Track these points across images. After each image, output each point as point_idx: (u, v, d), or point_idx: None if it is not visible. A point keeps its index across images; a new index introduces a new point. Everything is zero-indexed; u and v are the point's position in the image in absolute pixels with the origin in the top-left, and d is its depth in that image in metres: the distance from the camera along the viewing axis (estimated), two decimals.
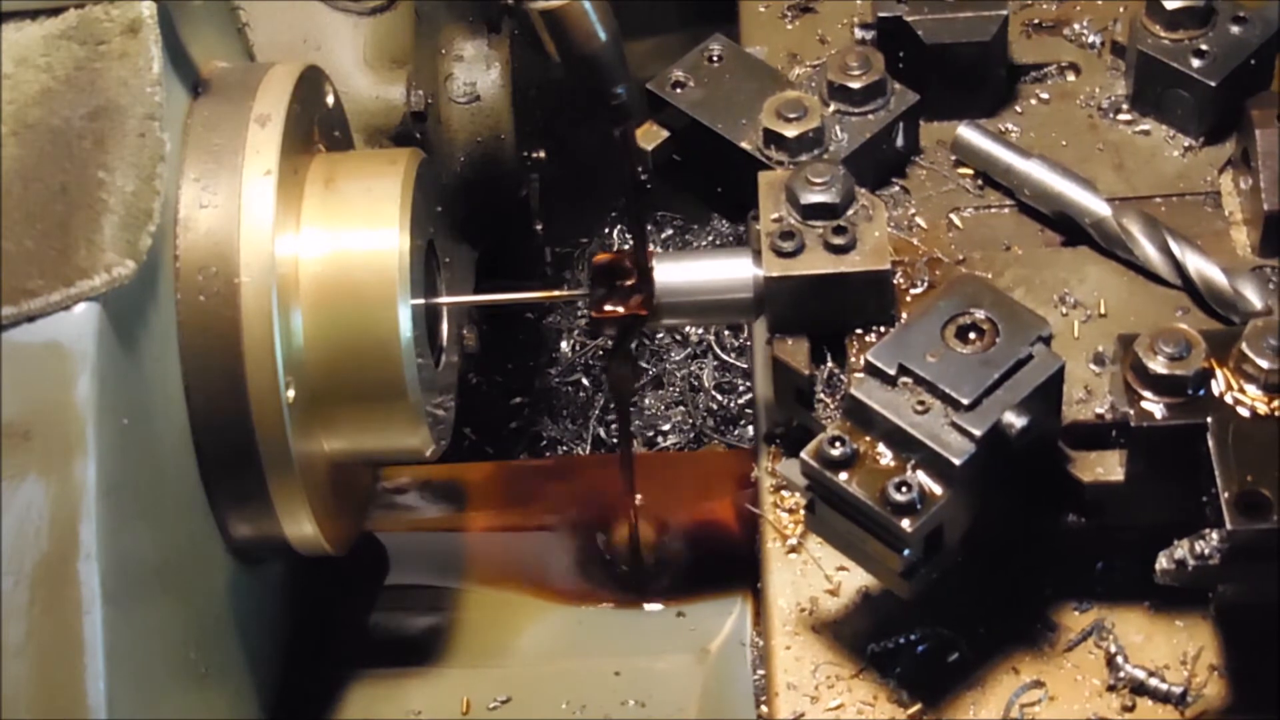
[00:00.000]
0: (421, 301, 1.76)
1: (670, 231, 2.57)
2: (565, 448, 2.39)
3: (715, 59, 1.86)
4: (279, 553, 1.80)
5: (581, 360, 2.46)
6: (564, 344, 2.47)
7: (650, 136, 1.81)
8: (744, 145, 1.78)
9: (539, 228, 2.35)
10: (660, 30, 2.07)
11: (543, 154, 2.32)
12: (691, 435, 2.37)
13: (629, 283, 1.72)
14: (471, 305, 2.05)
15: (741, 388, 2.39)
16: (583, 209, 2.56)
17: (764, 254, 1.65)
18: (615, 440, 2.39)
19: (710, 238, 2.54)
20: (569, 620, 2.00)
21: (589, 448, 2.38)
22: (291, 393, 1.67)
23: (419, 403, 1.74)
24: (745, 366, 2.40)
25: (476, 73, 2.15)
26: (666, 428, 2.38)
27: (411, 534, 2.11)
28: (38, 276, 1.47)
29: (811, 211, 1.66)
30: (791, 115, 1.76)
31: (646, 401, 2.40)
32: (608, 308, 1.73)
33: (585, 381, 2.44)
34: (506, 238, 2.31)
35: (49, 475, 1.45)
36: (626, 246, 2.50)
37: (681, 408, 2.39)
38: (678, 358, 2.43)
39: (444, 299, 1.87)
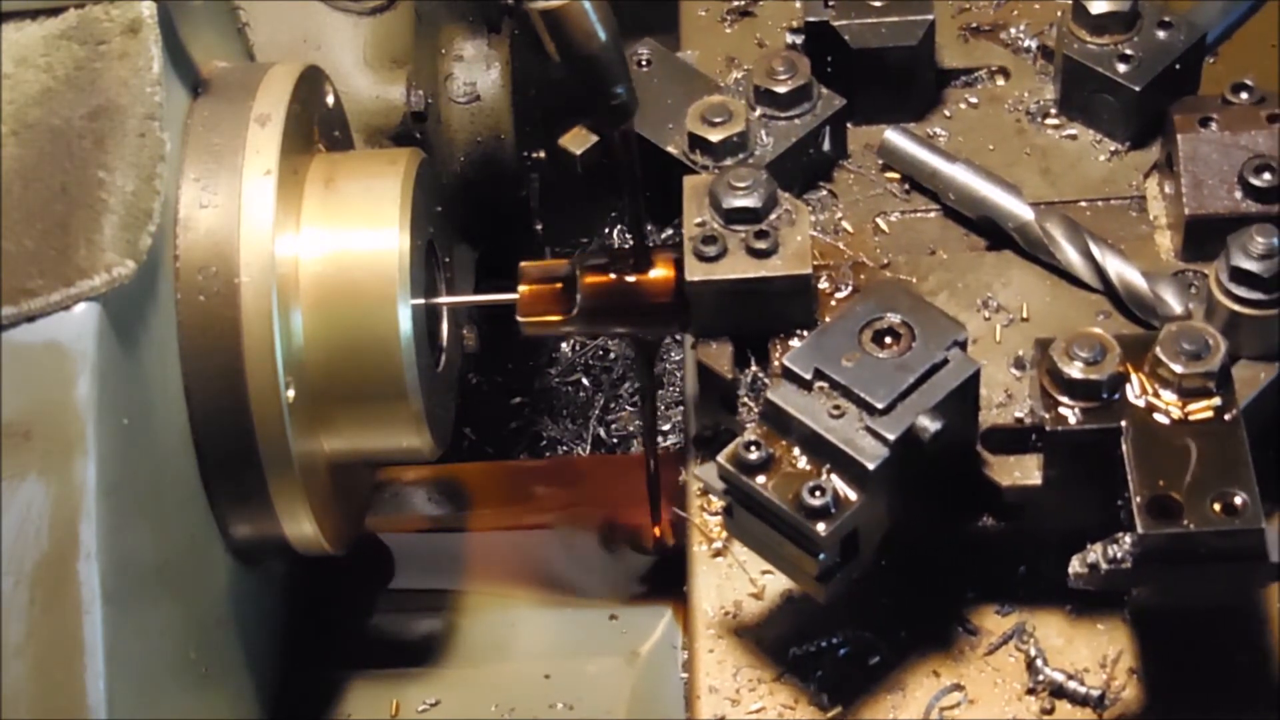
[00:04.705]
0: (421, 301, 1.76)
1: (670, 231, 2.57)
2: (565, 448, 2.39)
3: (644, 64, 1.86)
4: (279, 552, 1.80)
5: (581, 360, 2.46)
6: (564, 344, 2.47)
7: (579, 140, 1.80)
8: (670, 149, 1.79)
9: (539, 228, 2.35)
10: (659, 30, 2.07)
11: (543, 154, 2.32)
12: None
13: (557, 288, 1.73)
14: (471, 305, 2.05)
15: None
16: (583, 209, 2.56)
17: (686, 258, 1.66)
18: (615, 440, 2.39)
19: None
20: (500, 622, 2.00)
21: (589, 448, 2.38)
22: (291, 393, 1.67)
23: (419, 403, 1.74)
24: None
25: (476, 73, 2.15)
26: (666, 428, 2.38)
27: (411, 534, 2.11)
28: (38, 276, 1.47)
29: (734, 216, 1.66)
30: (716, 120, 1.76)
31: (643, 407, 2.40)
32: (533, 314, 1.73)
33: (585, 381, 2.44)
34: (506, 238, 2.31)
35: (49, 475, 1.45)
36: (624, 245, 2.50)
37: (681, 407, 2.39)
38: (678, 358, 2.43)
39: (444, 299, 1.88)
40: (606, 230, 2.58)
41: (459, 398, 1.93)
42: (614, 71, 1.57)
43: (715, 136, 1.75)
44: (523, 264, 1.75)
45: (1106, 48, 1.78)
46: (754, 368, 1.67)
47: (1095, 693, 1.61)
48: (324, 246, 1.72)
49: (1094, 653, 1.64)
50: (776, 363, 1.65)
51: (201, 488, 1.69)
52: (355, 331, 1.71)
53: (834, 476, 1.50)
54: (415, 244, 1.75)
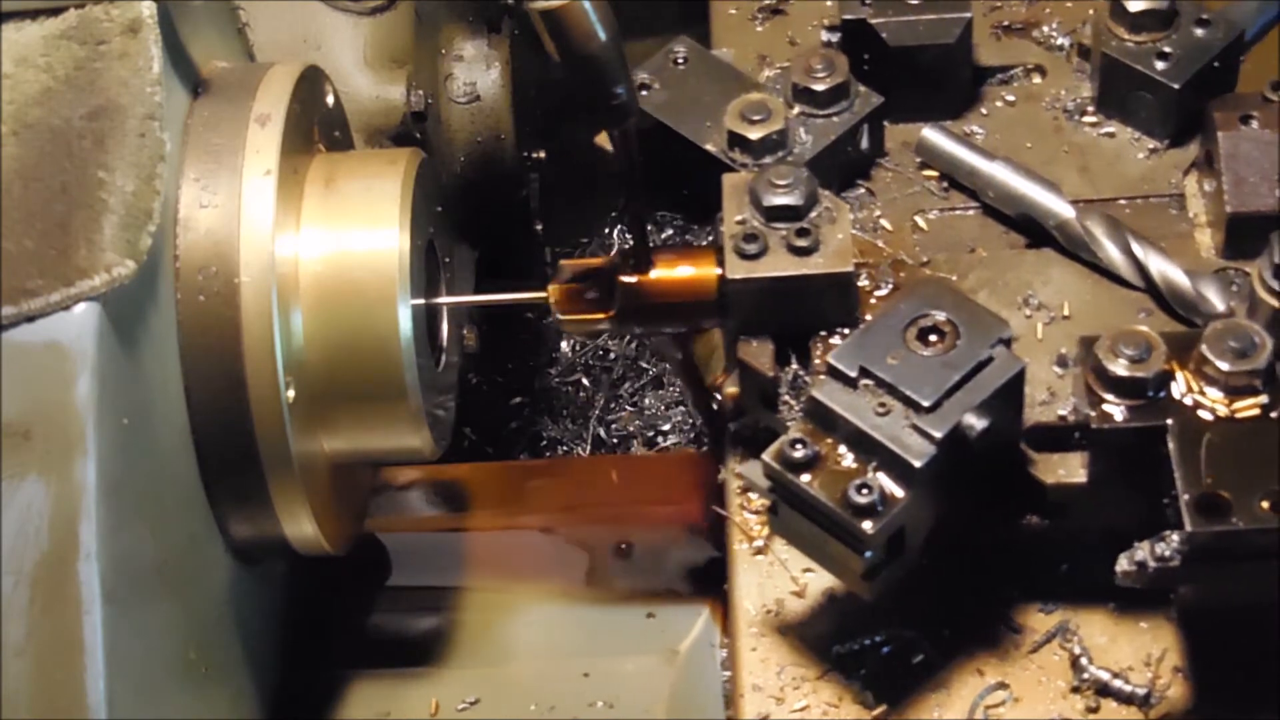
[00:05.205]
0: (421, 301, 1.76)
1: (670, 231, 2.57)
2: (565, 448, 2.39)
3: (681, 61, 1.87)
4: (279, 553, 1.80)
5: (581, 360, 2.46)
6: (564, 344, 2.47)
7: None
8: (708, 147, 1.79)
9: (539, 228, 2.35)
10: (660, 30, 2.07)
11: (543, 154, 2.32)
12: (692, 435, 2.37)
13: (595, 286, 1.73)
14: (471, 305, 2.05)
15: None
16: (583, 209, 2.56)
17: (727, 256, 1.66)
18: (615, 440, 2.39)
19: (711, 238, 2.53)
20: (538, 621, 1.99)
21: (589, 448, 2.38)
22: (291, 393, 1.67)
23: (419, 403, 1.74)
24: None
25: (476, 73, 2.15)
26: (667, 427, 2.37)
27: (411, 534, 2.11)
28: (38, 276, 1.47)
29: (775, 214, 1.66)
30: (755, 117, 1.76)
31: (647, 401, 2.40)
32: (573, 312, 1.73)
33: (585, 381, 2.44)
34: (506, 238, 2.31)
35: (49, 475, 1.45)
36: (621, 247, 2.50)
37: (681, 408, 2.39)
38: (678, 357, 2.43)
39: (444, 299, 1.87)
40: (606, 230, 2.57)
41: (459, 398, 1.93)
42: (614, 71, 1.57)
43: (755, 134, 1.76)
44: (561, 261, 1.75)
45: (1144, 45, 1.79)
46: (795, 366, 1.67)
47: (1140, 691, 1.61)
48: (324, 246, 1.72)
49: (1138, 651, 1.64)
50: (818, 360, 1.65)
51: (201, 488, 1.69)
52: (355, 331, 1.71)
53: (880, 474, 1.50)
54: (415, 244, 1.75)
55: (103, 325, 1.48)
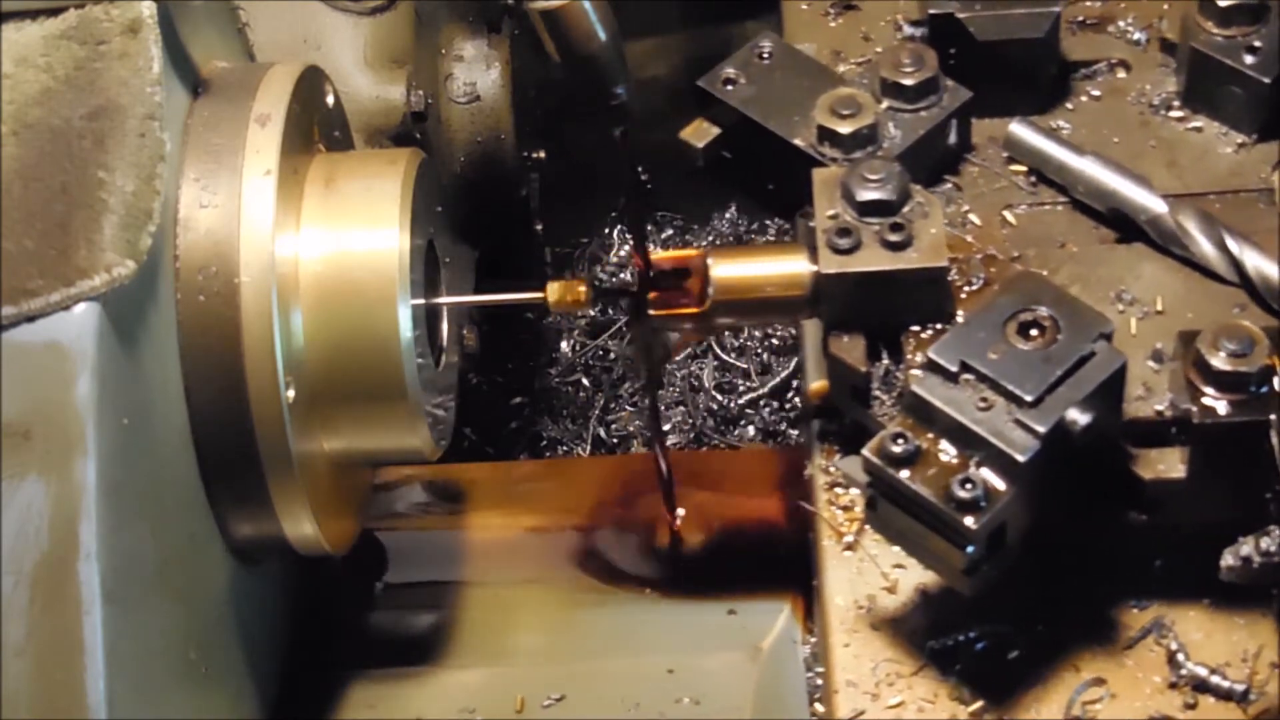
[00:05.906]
0: (421, 301, 1.76)
1: (670, 231, 2.57)
2: (565, 448, 2.39)
3: (765, 56, 1.85)
4: (279, 553, 1.80)
5: (581, 360, 2.46)
6: (564, 344, 2.47)
7: (701, 133, 1.81)
8: (797, 142, 1.78)
9: (539, 228, 2.35)
10: (660, 30, 2.07)
11: (543, 154, 2.32)
12: (691, 435, 2.37)
13: (685, 280, 1.72)
14: (471, 305, 2.05)
15: (741, 387, 2.39)
16: (583, 209, 2.56)
17: (820, 251, 1.65)
18: (615, 440, 2.39)
19: (710, 238, 2.54)
20: (620, 617, 1.98)
21: (589, 448, 2.38)
22: (291, 393, 1.67)
23: (419, 403, 1.74)
24: (745, 367, 2.40)
25: (476, 73, 2.15)
26: (667, 428, 2.37)
27: (411, 533, 2.11)
28: (38, 276, 1.47)
29: (868, 208, 1.66)
30: (845, 112, 1.76)
31: (647, 401, 2.40)
32: (664, 306, 1.72)
33: (585, 381, 2.44)
34: (506, 238, 2.31)
35: (49, 475, 1.45)
36: (628, 247, 2.50)
37: (682, 408, 2.39)
38: (678, 358, 2.43)
39: (444, 299, 1.87)
40: (607, 230, 2.58)
41: (459, 398, 1.93)
42: (614, 71, 1.58)
43: (845, 129, 1.75)
44: (654, 256, 1.74)
45: (1234, 39, 1.78)
46: (886, 360, 1.67)
47: (1239, 687, 1.60)
48: (324, 246, 1.72)
49: (1234, 647, 1.63)
50: (911, 355, 1.65)
51: (201, 488, 1.69)
52: (355, 331, 1.71)
53: (982, 469, 1.50)
54: (415, 244, 1.75)
55: (103, 325, 1.48)
